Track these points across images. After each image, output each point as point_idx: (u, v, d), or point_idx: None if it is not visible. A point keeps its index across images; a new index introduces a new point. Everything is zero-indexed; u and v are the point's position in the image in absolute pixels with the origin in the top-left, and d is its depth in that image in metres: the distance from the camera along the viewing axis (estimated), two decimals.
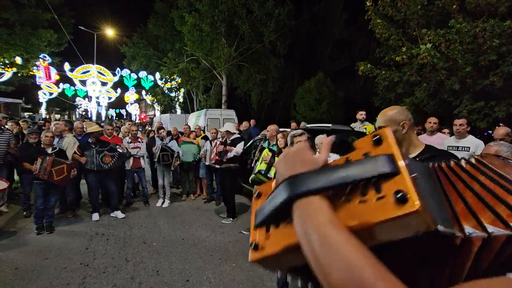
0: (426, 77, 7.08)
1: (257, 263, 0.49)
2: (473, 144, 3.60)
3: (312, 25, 18.24)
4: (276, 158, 2.96)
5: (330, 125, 5.58)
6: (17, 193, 5.74)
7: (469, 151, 3.58)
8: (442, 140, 4.00)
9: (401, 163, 0.43)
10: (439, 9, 6.82)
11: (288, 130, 5.59)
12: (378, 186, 0.42)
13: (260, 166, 3.87)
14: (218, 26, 15.22)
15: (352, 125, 5.73)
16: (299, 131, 2.70)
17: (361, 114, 5.62)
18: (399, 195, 0.39)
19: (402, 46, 7.26)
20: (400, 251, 0.44)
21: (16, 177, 5.68)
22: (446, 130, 4.70)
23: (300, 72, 18.84)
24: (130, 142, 5.44)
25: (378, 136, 0.49)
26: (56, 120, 14.22)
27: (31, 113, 30.08)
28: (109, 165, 4.68)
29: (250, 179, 4.14)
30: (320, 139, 3.76)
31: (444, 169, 0.56)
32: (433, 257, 0.45)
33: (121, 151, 4.81)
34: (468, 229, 0.43)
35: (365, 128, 5.42)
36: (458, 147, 3.71)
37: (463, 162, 0.56)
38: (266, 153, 3.90)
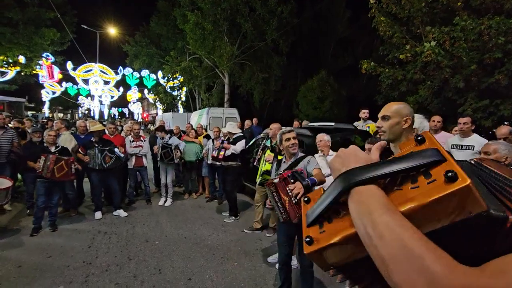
0: (430, 75, 7.00)
1: (310, 256, 0.52)
2: (478, 143, 3.55)
3: (314, 23, 18.14)
4: (280, 157, 2.95)
5: (332, 123, 5.54)
6: (21, 191, 5.77)
7: (473, 149, 3.54)
8: (446, 139, 3.96)
9: (447, 155, 0.47)
10: (444, 7, 6.74)
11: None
12: (427, 173, 0.46)
13: (265, 167, 3.87)
14: (220, 24, 15.19)
15: (355, 123, 5.69)
16: (288, 128, 2.70)
17: (363, 113, 5.57)
18: (449, 174, 0.41)
19: (406, 44, 7.18)
20: (451, 237, 0.45)
21: (19, 175, 5.70)
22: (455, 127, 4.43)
23: (302, 70, 18.78)
24: (133, 141, 5.44)
25: (421, 136, 0.53)
26: (58, 119, 14.27)
27: (34, 112, 30.25)
28: (108, 164, 4.69)
29: (257, 182, 4.13)
30: (321, 136, 3.74)
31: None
32: (482, 240, 0.45)
33: (119, 154, 4.80)
34: None
35: (368, 127, 5.37)
36: (462, 145, 3.67)
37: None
38: (268, 154, 3.88)
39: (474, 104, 6.07)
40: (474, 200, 0.40)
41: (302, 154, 2.67)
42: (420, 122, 1.98)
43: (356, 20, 17.05)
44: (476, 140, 3.61)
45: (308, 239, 0.53)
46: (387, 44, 7.98)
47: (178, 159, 5.49)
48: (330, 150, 3.66)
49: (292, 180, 2.22)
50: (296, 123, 7.35)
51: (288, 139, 2.56)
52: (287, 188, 2.21)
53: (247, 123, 8.42)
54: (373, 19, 7.66)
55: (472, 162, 0.59)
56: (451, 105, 6.80)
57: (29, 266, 3.31)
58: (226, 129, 5.29)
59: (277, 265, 3.38)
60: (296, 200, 2.20)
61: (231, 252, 3.78)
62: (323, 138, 3.66)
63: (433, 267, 0.34)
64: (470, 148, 3.59)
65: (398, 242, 0.38)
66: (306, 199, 0.66)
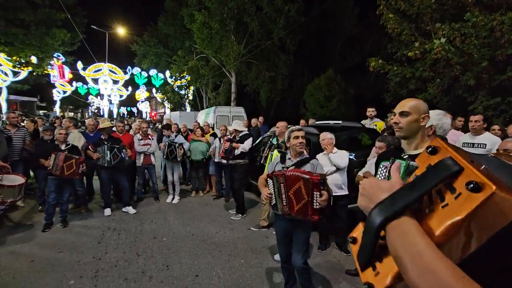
0: (440, 73, 6.90)
1: None
2: (490, 141, 3.49)
3: (322, 21, 18.01)
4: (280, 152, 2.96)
5: (340, 122, 5.51)
6: (33, 188, 5.91)
7: (485, 148, 3.48)
8: (456, 137, 3.90)
9: (463, 161, 0.46)
10: (454, 3, 6.61)
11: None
12: (451, 187, 0.45)
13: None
14: (227, 23, 15.22)
15: (362, 122, 5.65)
16: (297, 126, 2.69)
17: (370, 111, 5.52)
18: (470, 186, 0.41)
19: (415, 41, 7.08)
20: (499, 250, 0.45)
21: (31, 172, 5.83)
22: (497, 127, 4.01)
23: (310, 69, 18.69)
24: (141, 139, 5.51)
25: (431, 147, 0.53)
26: (67, 117, 14.57)
27: (45, 111, 30.92)
28: (115, 162, 4.76)
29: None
30: (323, 135, 3.73)
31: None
32: None
33: (123, 156, 4.86)
34: None
35: (375, 125, 5.32)
36: (473, 144, 3.61)
37: None
38: (276, 156, 3.83)
39: (485, 102, 5.95)
40: (509, 202, 0.38)
41: (307, 156, 2.67)
42: (439, 119, 1.94)
43: (364, 18, 16.87)
44: (488, 138, 3.55)
45: (366, 286, 0.52)
46: (396, 41, 7.89)
47: (180, 158, 5.52)
48: (335, 148, 3.65)
49: (321, 187, 2.23)
50: (302, 122, 7.33)
51: (297, 137, 2.55)
52: (315, 192, 2.22)
53: (254, 121, 8.44)
54: (381, 17, 7.57)
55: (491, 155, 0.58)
56: (461, 103, 6.68)
57: (41, 261, 3.40)
58: (232, 127, 5.31)
59: None
60: (317, 206, 2.24)
61: (238, 250, 3.80)
62: (325, 137, 3.67)
63: None
64: (482, 146, 3.53)
65: (432, 276, 0.39)
66: (351, 240, 0.65)
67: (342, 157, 3.58)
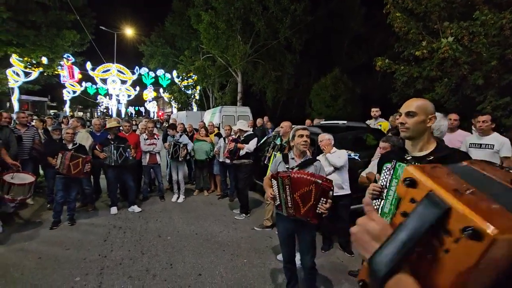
0: (448, 72, 6.78)
1: None
2: (498, 142, 3.42)
3: (328, 20, 17.89)
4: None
5: (345, 122, 5.48)
6: (42, 186, 6.04)
7: (493, 148, 3.41)
8: (463, 137, 3.84)
9: (447, 194, 0.42)
10: (463, 1, 6.49)
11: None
12: (446, 230, 0.43)
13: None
14: (234, 23, 15.26)
15: (367, 122, 5.60)
16: (303, 126, 2.70)
17: (374, 111, 5.48)
18: (468, 233, 0.38)
19: (422, 40, 6.97)
20: None
21: (40, 171, 5.97)
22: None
23: (316, 68, 18.58)
24: (147, 139, 5.58)
25: (409, 180, 0.50)
26: (74, 117, 14.86)
27: (56, 111, 31.50)
28: (120, 161, 4.84)
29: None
30: (322, 136, 3.71)
31: None
32: None
33: (127, 155, 4.92)
34: None
35: (380, 125, 5.28)
36: (481, 144, 3.54)
37: None
38: (278, 156, 3.79)
39: (494, 102, 5.83)
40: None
41: (310, 157, 2.66)
42: (438, 121, 1.92)
43: (370, 17, 16.67)
44: (496, 139, 3.47)
45: (361, 283, 0.52)
46: (403, 40, 7.78)
47: (182, 158, 5.56)
48: (334, 148, 3.64)
49: (329, 195, 2.26)
50: (308, 122, 7.30)
51: (301, 136, 2.54)
52: (322, 198, 2.25)
53: (259, 121, 8.46)
54: (388, 15, 7.49)
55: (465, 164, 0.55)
56: (469, 103, 6.56)
57: (48, 257, 3.48)
58: (237, 126, 5.33)
59: None
60: (319, 211, 2.27)
61: (241, 249, 3.82)
62: (323, 138, 3.68)
63: None
64: (489, 147, 3.46)
65: None
66: (361, 284, 0.62)
67: (340, 156, 3.57)
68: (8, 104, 18.18)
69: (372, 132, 5.23)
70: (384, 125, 5.25)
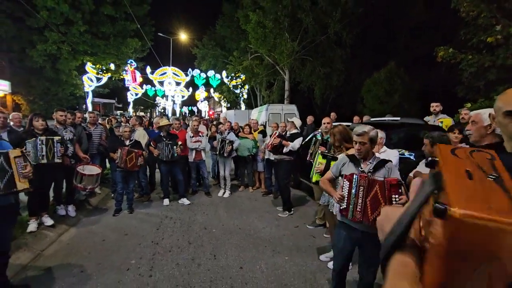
0: None
1: None
2: None
3: (383, 10, 16.63)
4: (332, 163, 2.77)
5: (398, 118, 5.06)
6: (108, 177, 6.80)
7: None
8: None
9: (452, 174, 0.39)
10: None
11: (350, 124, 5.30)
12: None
13: (316, 177, 3.56)
14: (281, 21, 15.20)
15: (426, 118, 5.09)
16: (360, 130, 2.32)
17: (433, 106, 4.94)
18: (435, 207, 0.35)
19: (496, 24, 6.08)
20: None
21: (107, 164, 6.73)
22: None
23: (369, 63, 17.49)
24: (192, 136, 5.85)
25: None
26: (134, 116, 16.35)
27: (121, 111, 35.18)
28: (170, 156, 5.17)
29: (311, 178, 3.80)
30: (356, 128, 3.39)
31: None
32: None
33: (173, 151, 5.22)
34: None
35: (441, 122, 4.74)
36: None
37: None
38: (319, 162, 3.47)
39: None
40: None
41: (379, 157, 2.42)
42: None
43: (432, 3, 15.03)
44: None
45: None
46: (471, 26, 6.87)
47: (227, 153, 5.71)
48: (384, 147, 3.37)
49: (400, 191, 2.11)
50: (356, 119, 6.93)
51: (355, 143, 2.32)
52: (393, 195, 2.10)
53: (310, 119, 8.40)
54: None
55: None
56: None
57: (110, 241, 3.91)
58: (292, 119, 5.26)
59: (329, 264, 3.28)
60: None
61: (282, 246, 3.80)
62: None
63: None
64: None
65: None
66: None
67: (389, 157, 3.26)
68: (84, 106, 20.87)
69: (431, 130, 4.73)
70: (446, 121, 4.71)
